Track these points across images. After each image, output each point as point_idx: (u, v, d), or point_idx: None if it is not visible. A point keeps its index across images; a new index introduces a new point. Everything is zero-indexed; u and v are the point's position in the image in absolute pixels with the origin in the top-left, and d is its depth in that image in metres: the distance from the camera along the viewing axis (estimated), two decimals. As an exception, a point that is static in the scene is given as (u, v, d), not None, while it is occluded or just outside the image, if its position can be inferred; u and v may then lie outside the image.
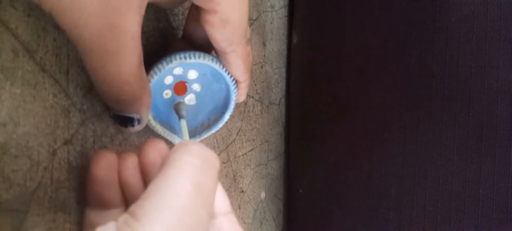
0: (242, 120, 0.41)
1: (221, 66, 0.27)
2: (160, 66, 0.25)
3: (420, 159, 0.41)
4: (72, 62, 0.23)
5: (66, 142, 0.23)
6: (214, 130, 0.30)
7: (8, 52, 0.20)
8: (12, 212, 0.20)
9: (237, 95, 0.29)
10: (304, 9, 0.49)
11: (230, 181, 0.39)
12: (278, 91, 0.50)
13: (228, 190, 0.39)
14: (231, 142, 0.39)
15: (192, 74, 0.28)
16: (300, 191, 0.48)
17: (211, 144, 0.36)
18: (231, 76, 0.27)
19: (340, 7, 0.46)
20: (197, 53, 0.25)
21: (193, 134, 0.29)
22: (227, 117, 0.30)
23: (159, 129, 0.27)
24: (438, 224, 0.40)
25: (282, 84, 0.51)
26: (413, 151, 0.41)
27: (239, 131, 0.41)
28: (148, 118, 0.25)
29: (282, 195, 0.52)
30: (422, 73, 0.41)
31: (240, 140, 0.41)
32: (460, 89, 0.39)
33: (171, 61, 0.25)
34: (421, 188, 0.41)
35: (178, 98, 0.28)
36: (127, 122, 0.23)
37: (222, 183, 0.38)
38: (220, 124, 0.30)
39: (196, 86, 0.29)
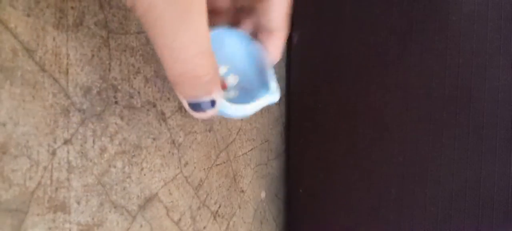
0: (242, 120, 0.41)
1: (231, 28, 0.23)
2: None
3: (420, 159, 0.41)
4: (71, 62, 0.23)
5: (66, 142, 0.23)
6: (268, 97, 0.25)
7: (8, 52, 0.20)
8: (12, 212, 0.20)
9: (271, 50, 0.24)
10: (304, 9, 0.49)
11: (230, 180, 0.39)
12: (278, 91, 0.50)
13: (228, 189, 0.39)
14: (231, 142, 0.39)
15: (221, 69, 0.25)
16: (300, 191, 0.48)
17: (211, 143, 0.36)
18: (247, 33, 0.23)
19: (340, 7, 0.46)
20: None
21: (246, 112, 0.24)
22: (271, 74, 0.25)
23: (228, 106, 0.23)
24: (439, 224, 0.40)
25: (282, 84, 0.51)
26: (413, 151, 0.41)
27: (239, 131, 0.41)
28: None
29: (282, 195, 0.52)
30: (422, 73, 0.41)
31: (240, 139, 0.41)
32: (460, 89, 0.39)
33: None
34: (422, 188, 0.41)
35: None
36: (204, 106, 0.21)
37: (222, 183, 0.38)
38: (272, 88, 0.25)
39: (232, 79, 0.26)
